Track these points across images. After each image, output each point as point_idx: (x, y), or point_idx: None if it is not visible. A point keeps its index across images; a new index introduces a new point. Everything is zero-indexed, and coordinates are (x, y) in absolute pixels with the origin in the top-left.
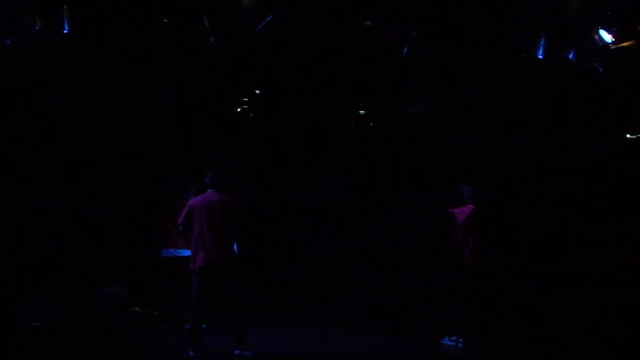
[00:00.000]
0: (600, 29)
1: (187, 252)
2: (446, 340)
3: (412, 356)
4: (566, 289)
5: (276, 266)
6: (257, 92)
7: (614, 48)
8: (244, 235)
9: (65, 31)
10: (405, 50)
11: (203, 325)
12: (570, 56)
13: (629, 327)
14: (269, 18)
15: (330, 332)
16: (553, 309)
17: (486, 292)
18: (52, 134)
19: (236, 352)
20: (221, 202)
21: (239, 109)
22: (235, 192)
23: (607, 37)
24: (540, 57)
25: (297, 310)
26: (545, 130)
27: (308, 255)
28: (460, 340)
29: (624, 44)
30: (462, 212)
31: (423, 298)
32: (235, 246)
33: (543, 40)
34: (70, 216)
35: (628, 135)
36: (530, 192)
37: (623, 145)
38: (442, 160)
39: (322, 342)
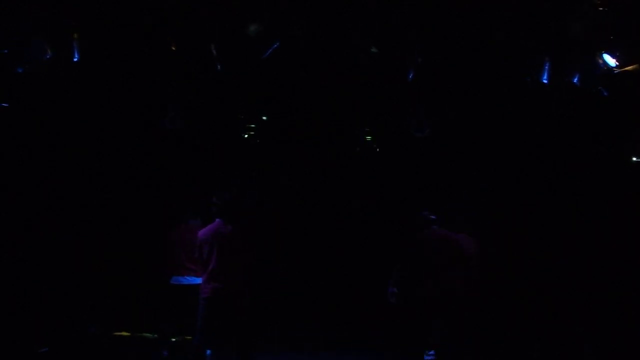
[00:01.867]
0: (604, 53)
1: (193, 280)
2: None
3: None
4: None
5: (281, 291)
6: (264, 118)
7: (617, 72)
8: (252, 265)
9: (75, 59)
10: (410, 75)
11: (207, 352)
12: (575, 80)
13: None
14: (276, 45)
15: (343, 357)
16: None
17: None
18: (59, 160)
19: None
20: (229, 233)
21: (246, 135)
22: (242, 220)
23: (611, 61)
24: (545, 81)
25: (301, 334)
26: (550, 154)
27: (314, 278)
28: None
29: (628, 68)
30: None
31: None
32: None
33: (547, 64)
34: (78, 243)
35: (634, 159)
36: (535, 217)
37: (629, 169)
38: (448, 183)
39: None
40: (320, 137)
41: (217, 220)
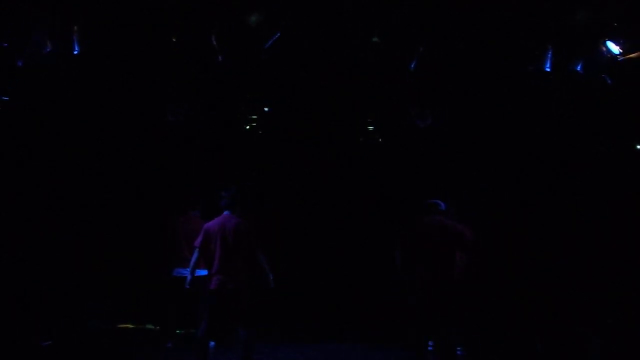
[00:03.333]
0: (608, 40)
1: (197, 272)
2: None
3: None
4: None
5: (284, 281)
6: (266, 109)
7: (621, 59)
8: (257, 258)
9: (76, 52)
10: (412, 65)
11: (211, 344)
12: (578, 68)
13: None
14: (277, 35)
15: (343, 347)
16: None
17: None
18: (60, 152)
19: None
20: (236, 226)
21: (247, 127)
22: (248, 212)
23: (614, 48)
24: (548, 69)
25: (304, 325)
26: (553, 143)
27: (317, 270)
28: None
29: (632, 56)
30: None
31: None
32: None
33: (550, 52)
34: (80, 237)
35: (638, 147)
36: (538, 205)
37: (632, 156)
38: (449, 173)
39: (334, 357)
40: (323, 128)
41: (225, 213)
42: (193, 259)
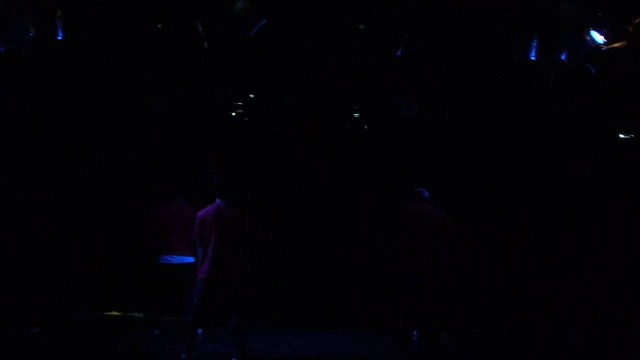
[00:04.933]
0: (592, 30)
1: (183, 259)
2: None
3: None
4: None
5: (274, 268)
6: (252, 96)
7: (605, 49)
8: (250, 246)
9: (59, 37)
10: (398, 52)
11: (199, 331)
12: (563, 57)
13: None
14: (263, 22)
15: (330, 335)
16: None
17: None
18: (45, 139)
19: (233, 359)
20: (231, 214)
21: (233, 114)
22: (238, 200)
23: (598, 38)
24: (533, 58)
25: (296, 312)
26: (538, 132)
27: (305, 257)
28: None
29: (616, 45)
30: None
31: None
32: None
33: (535, 41)
34: (65, 222)
35: (621, 136)
36: (523, 193)
37: (616, 145)
38: (436, 162)
39: (322, 345)
40: (308, 115)
41: (218, 200)
42: (196, 252)
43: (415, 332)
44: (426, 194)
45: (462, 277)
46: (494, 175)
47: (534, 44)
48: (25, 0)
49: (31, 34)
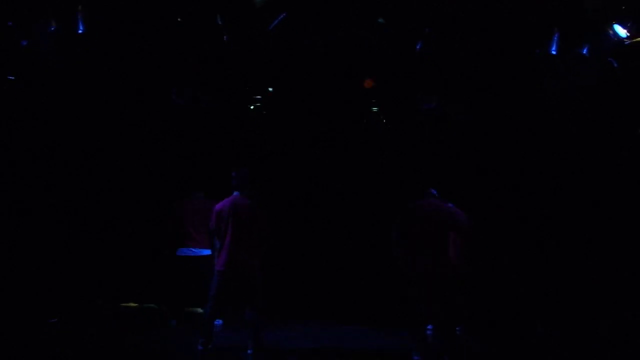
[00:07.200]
0: (615, 24)
1: (200, 252)
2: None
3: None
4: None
5: (291, 263)
6: (271, 90)
7: (628, 43)
8: (266, 240)
9: (80, 31)
10: (418, 46)
11: (218, 322)
12: (584, 52)
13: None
14: (283, 16)
15: (346, 328)
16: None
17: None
18: (65, 132)
19: (249, 351)
20: (247, 207)
21: (252, 107)
22: (253, 193)
23: (621, 32)
24: (554, 52)
25: (313, 306)
26: (558, 127)
27: (322, 251)
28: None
29: (639, 39)
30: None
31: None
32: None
33: (557, 36)
34: (85, 214)
35: None
36: (542, 189)
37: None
38: (453, 158)
39: (337, 338)
40: (327, 109)
41: (235, 193)
42: (213, 244)
43: (429, 327)
44: (435, 192)
45: (475, 271)
46: (506, 171)
47: (556, 38)
48: None
49: (52, 28)
